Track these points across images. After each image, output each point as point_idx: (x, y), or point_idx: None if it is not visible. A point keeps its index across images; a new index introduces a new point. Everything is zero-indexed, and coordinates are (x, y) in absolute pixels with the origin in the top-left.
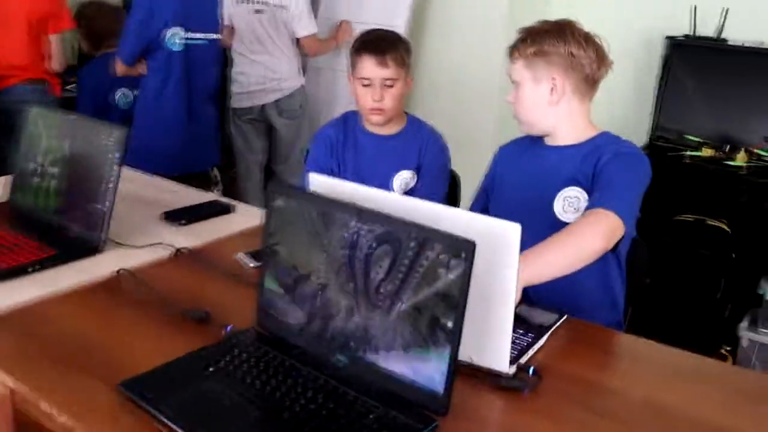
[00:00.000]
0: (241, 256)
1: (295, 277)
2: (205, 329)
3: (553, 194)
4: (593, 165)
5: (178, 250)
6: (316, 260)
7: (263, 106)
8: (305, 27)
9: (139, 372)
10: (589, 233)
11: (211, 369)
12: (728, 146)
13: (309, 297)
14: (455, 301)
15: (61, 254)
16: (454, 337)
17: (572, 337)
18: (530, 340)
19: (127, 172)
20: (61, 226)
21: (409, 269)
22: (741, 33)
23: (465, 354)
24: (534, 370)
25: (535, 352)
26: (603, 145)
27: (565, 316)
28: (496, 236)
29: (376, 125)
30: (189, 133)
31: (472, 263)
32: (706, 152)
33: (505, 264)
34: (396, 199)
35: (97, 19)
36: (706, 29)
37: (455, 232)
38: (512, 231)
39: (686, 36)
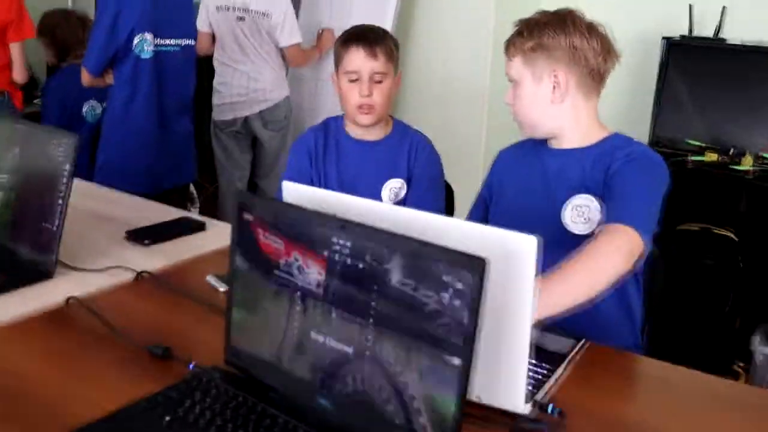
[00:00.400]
0: (212, 279)
1: (268, 304)
2: (166, 367)
3: (561, 203)
4: (604, 170)
5: (139, 273)
6: (293, 284)
7: (246, 117)
8: (288, 36)
9: (83, 422)
10: (607, 255)
11: (168, 418)
12: (733, 149)
13: (285, 327)
14: (463, 332)
15: (4, 281)
16: (462, 377)
17: (592, 365)
18: (546, 371)
19: (88, 188)
20: (5, 248)
21: (405, 294)
22: (740, 32)
23: (471, 392)
24: (554, 408)
25: (553, 386)
26: (614, 149)
27: (582, 341)
28: (509, 251)
29: (363, 126)
30: (162, 147)
31: (483, 285)
32: (710, 157)
33: (520, 284)
34: (387, 210)
35: (63, 28)
36: (704, 29)
37: (459, 247)
38: (528, 245)
39: (683, 36)
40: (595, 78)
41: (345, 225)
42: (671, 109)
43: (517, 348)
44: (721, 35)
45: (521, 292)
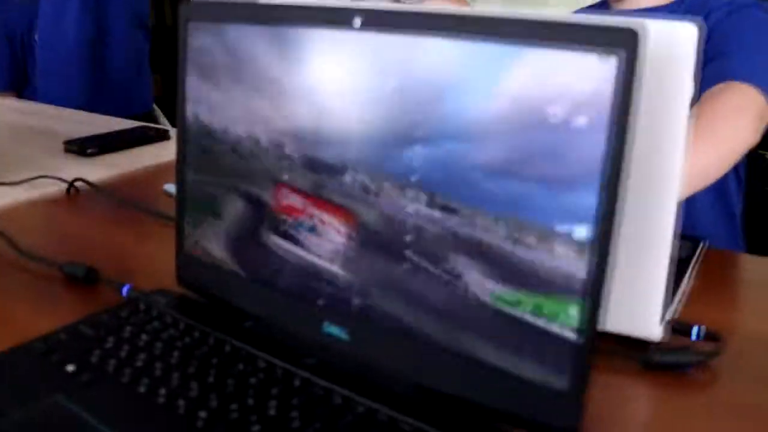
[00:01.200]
0: (172, 188)
1: (242, 183)
2: (91, 294)
3: None
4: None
5: (71, 183)
6: (286, 139)
7: None
8: None
9: None
10: (731, 121)
11: (71, 368)
12: None
13: (271, 217)
14: (593, 176)
15: None
16: (594, 268)
17: (716, 273)
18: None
19: (26, 105)
20: None
21: (480, 113)
22: None
23: None
24: (703, 330)
25: (680, 301)
26: None
27: (702, 243)
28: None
29: None
30: (105, 69)
31: (632, 80)
32: None
33: (669, 104)
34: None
35: None
36: None
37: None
38: (684, 35)
39: None
40: None
41: (372, 15)
42: None
43: (656, 233)
44: None
45: (670, 124)
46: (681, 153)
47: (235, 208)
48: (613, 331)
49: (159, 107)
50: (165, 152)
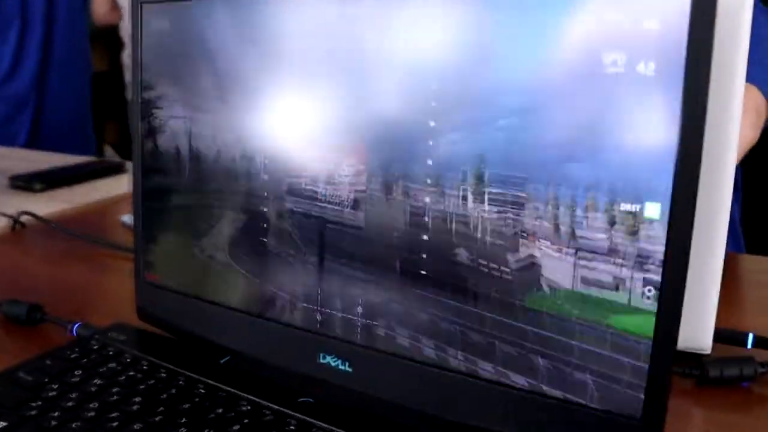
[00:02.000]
0: (129, 219)
1: (214, 190)
2: (36, 336)
3: None
4: None
5: (17, 218)
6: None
7: None
8: None
9: None
10: None
11: (0, 425)
12: None
13: (250, 229)
14: (665, 137)
15: None
16: (673, 264)
17: (734, 277)
18: None
19: None
20: None
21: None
22: None
23: None
24: (759, 338)
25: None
26: None
27: None
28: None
29: None
30: (44, 112)
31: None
32: None
33: (725, 58)
34: None
35: None
36: None
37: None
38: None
39: None
40: None
41: None
42: None
43: (711, 228)
44: None
45: (724, 90)
46: (737, 127)
47: (219, 234)
48: None
49: (117, 153)
50: (120, 184)
